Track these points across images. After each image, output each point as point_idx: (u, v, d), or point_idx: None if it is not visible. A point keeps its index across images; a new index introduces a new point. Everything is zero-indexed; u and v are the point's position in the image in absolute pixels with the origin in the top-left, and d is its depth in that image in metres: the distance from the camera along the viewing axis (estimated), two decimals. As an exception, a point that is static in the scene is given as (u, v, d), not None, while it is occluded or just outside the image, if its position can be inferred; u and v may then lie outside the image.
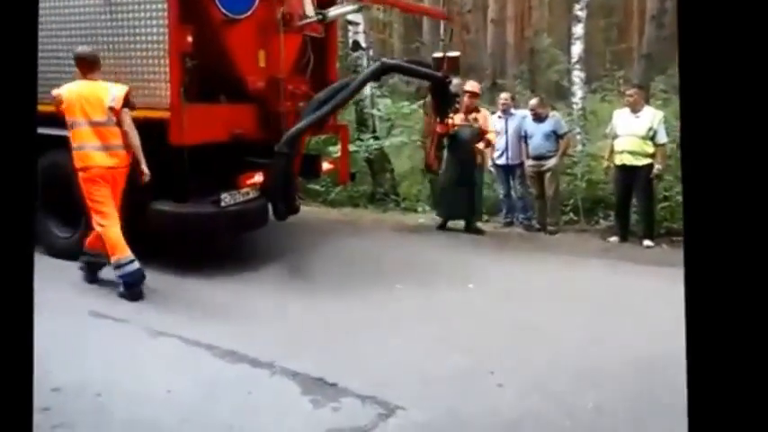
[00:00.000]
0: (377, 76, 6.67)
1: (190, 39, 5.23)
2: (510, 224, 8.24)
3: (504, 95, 8.62)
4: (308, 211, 7.94)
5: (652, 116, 7.28)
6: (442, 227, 7.95)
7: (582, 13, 10.07)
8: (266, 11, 5.88)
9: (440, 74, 6.54)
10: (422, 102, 10.61)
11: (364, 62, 9.39)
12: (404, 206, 9.33)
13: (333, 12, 6.56)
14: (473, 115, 7.77)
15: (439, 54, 6.95)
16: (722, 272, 1.11)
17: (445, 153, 7.95)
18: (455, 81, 6.86)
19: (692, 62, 1.13)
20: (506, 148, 8.04)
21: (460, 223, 7.91)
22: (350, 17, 8.71)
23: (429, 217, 8.65)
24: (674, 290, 5.53)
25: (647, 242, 7.20)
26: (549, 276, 5.95)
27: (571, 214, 8.51)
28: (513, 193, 8.26)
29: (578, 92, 9.95)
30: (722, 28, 1.09)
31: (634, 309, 4.91)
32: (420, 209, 9.10)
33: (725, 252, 1.11)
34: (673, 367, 3.70)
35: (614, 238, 7.41)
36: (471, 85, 8.02)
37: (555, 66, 15.30)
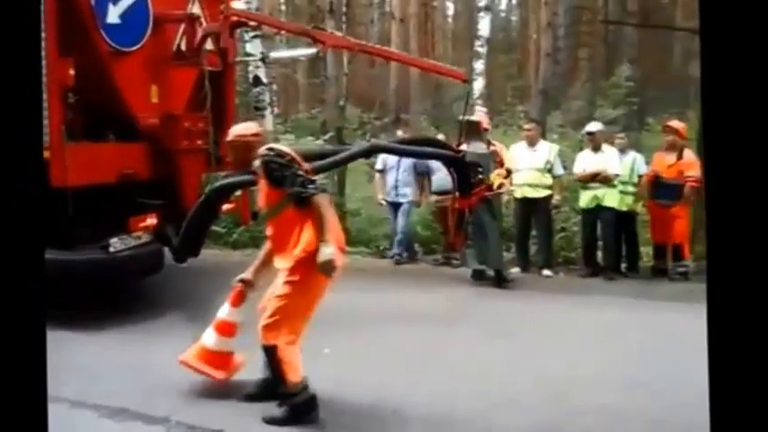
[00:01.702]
0: (364, 155, 6.39)
1: (72, 72, 4.84)
2: (399, 262, 8.10)
3: (400, 134, 8.66)
4: (208, 253, 7.54)
5: (548, 149, 7.48)
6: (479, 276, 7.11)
7: (482, 50, 10.42)
8: (159, 42, 5.58)
9: (447, 151, 6.07)
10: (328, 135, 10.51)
11: (266, 98, 9.16)
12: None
13: (279, 53, 6.30)
14: (491, 149, 7.12)
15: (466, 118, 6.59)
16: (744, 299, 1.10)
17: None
18: (474, 148, 6.29)
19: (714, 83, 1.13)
20: (396, 185, 8.04)
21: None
22: (249, 49, 8.47)
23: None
24: (579, 315, 5.64)
25: (546, 272, 7.36)
26: (460, 306, 6.00)
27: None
28: (399, 229, 8.16)
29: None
30: (743, 42, 1.09)
31: (545, 336, 5.00)
32: (328, 247, 8.88)
33: (747, 279, 1.10)
34: (579, 391, 3.79)
35: (516, 269, 7.51)
36: (477, 118, 7.18)
37: (459, 101, 15.61)
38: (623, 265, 7.52)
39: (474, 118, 6.72)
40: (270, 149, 3.47)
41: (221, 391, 3.89)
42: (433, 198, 7.98)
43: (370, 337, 4.96)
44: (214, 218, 5.69)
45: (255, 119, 9.42)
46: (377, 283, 7.03)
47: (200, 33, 5.77)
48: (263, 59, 5.93)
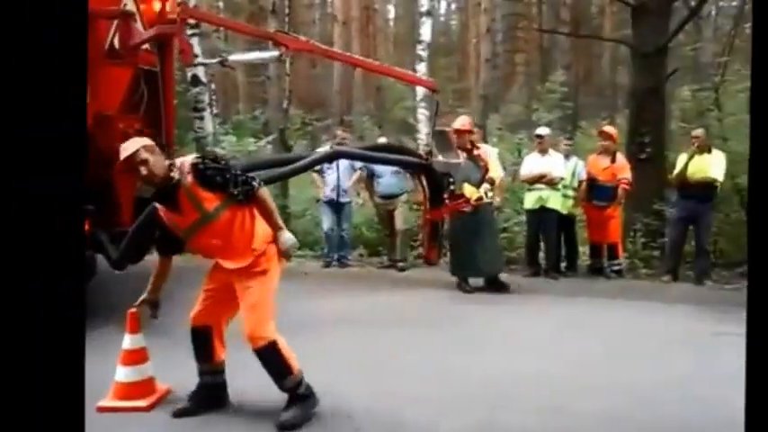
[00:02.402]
0: (326, 161, 6.19)
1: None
2: (329, 264, 8.10)
3: (339, 133, 8.59)
4: (147, 258, 7.32)
5: (489, 152, 7.58)
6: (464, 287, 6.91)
7: (424, 53, 10.36)
8: (90, 39, 5.36)
9: (415, 158, 5.80)
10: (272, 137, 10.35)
11: (205, 98, 8.97)
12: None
13: (240, 57, 6.07)
14: (475, 152, 6.82)
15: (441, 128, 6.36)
16: None
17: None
18: (442, 158, 6.02)
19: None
20: (337, 185, 7.98)
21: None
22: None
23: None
24: (527, 316, 5.66)
25: None
26: (408, 309, 5.94)
27: (420, 249, 8.62)
28: (336, 230, 8.13)
29: (424, 129, 10.18)
30: None
31: (493, 335, 5.03)
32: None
33: None
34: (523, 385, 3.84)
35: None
36: (460, 122, 6.86)
37: (401, 103, 15.68)
38: (562, 265, 7.72)
39: (444, 128, 6.55)
40: (201, 158, 3.41)
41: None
42: (379, 201, 7.97)
43: (317, 342, 4.89)
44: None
45: (194, 119, 9.22)
46: (323, 286, 6.98)
47: (149, 33, 5.57)
48: (222, 63, 5.72)
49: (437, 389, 3.97)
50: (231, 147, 9.87)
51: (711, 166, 7.05)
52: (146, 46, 5.75)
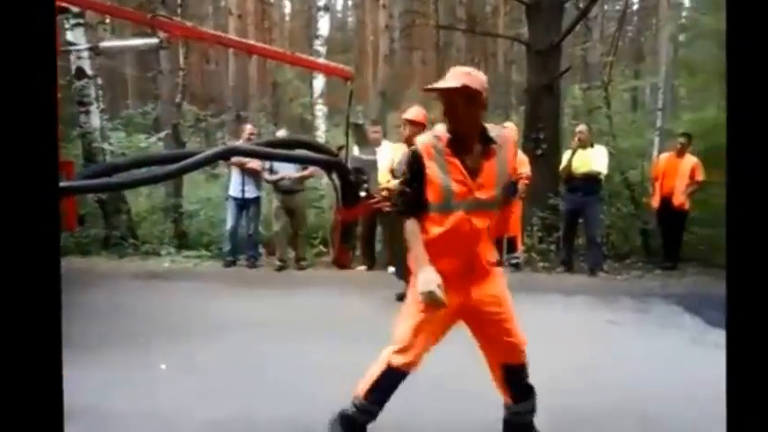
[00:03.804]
0: (220, 158, 5.46)
1: None
2: (232, 264, 7.84)
3: (248, 128, 8.33)
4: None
5: (391, 150, 7.56)
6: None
7: (322, 49, 10.26)
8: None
9: (323, 153, 5.03)
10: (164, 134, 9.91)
11: (91, 92, 8.43)
12: (144, 250, 8.51)
13: (113, 43, 5.48)
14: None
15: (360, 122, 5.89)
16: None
17: None
18: (365, 154, 5.64)
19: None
20: (243, 182, 7.73)
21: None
22: (70, 37, 7.71)
23: (175, 260, 8.00)
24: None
25: (390, 269, 7.42)
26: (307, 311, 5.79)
27: (321, 247, 8.55)
28: (243, 228, 7.89)
29: (321, 125, 10.08)
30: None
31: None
32: (164, 252, 8.36)
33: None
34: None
35: (362, 267, 7.63)
36: (414, 113, 6.34)
37: (298, 99, 15.48)
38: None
39: (359, 121, 6.38)
40: None
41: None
42: (279, 197, 7.76)
43: (214, 349, 4.68)
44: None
45: (79, 114, 8.65)
46: (219, 289, 6.73)
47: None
48: (92, 49, 5.25)
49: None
50: (120, 143, 9.36)
51: (594, 159, 7.42)
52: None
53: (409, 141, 6.06)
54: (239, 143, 6.88)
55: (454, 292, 2.74)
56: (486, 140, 2.76)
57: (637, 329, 5.34)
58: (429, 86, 2.85)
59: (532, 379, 3.01)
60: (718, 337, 5.05)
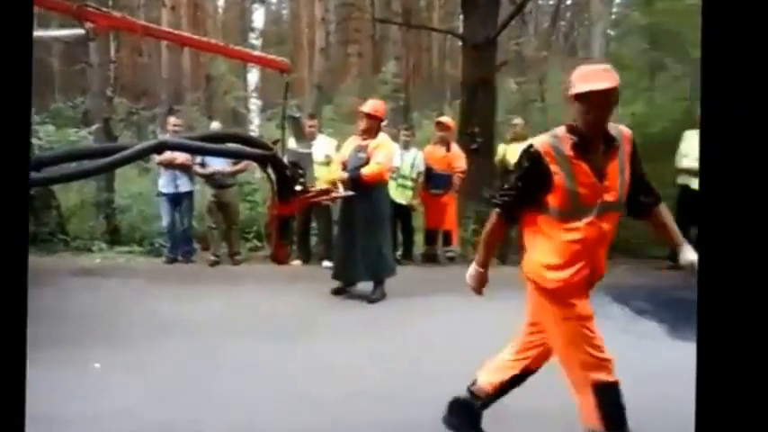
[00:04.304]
0: (153, 152, 5.24)
1: None
2: (174, 260, 7.71)
3: (171, 120, 8.15)
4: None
5: (327, 144, 7.60)
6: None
7: (257, 42, 10.19)
8: None
9: (257, 147, 4.82)
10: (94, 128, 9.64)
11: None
12: (75, 246, 8.27)
13: (35, 33, 5.18)
14: (366, 143, 5.97)
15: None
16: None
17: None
18: (301, 147, 5.49)
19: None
20: (175, 176, 7.59)
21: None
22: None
23: (107, 256, 7.82)
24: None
25: (326, 263, 7.40)
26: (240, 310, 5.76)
27: (255, 241, 8.51)
28: (177, 224, 7.74)
29: (255, 119, 10.01)
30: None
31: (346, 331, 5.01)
32: (96, 248, 8.14)
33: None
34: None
35: (297, 262, 7.63)
36: (372, 107, 6.09)
37: (232, 92, 15.27)
38: (398, 253, 7.87)
39: (296, 114, 6.15)
40: None
41: None
42: (212, 192, 7.66)
43: (146, 348, 4.60)
44: None
45: None
46: (154, 285, 6.62)
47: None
48: None
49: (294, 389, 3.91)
50: (49, 137, 9.03)
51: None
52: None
53: (365, 134, 6.02)
54: (169, 137, 6.72)
55: (586, 298, 2.77)
56: (609, 140, 2.66)
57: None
58: (582, 90, 2.58)
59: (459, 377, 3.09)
60: (647, 327, 5.29)
